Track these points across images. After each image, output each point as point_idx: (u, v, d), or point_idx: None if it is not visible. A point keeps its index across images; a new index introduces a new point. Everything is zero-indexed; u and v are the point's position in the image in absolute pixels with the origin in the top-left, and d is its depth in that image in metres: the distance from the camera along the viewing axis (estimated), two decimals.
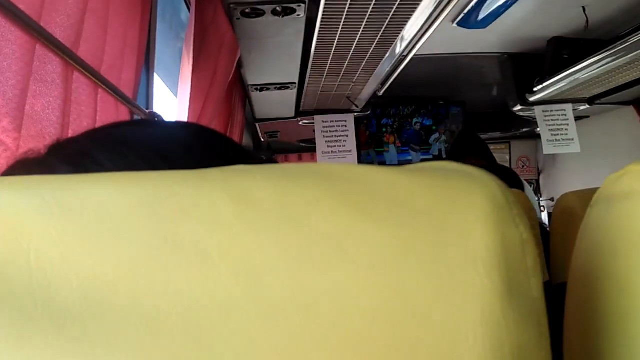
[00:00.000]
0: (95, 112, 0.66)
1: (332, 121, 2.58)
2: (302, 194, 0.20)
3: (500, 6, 1.59)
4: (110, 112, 0.71)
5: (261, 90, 2.02)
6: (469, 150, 1.79)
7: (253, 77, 1.90)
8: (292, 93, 2.12)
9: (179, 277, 0.20)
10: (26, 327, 0.19)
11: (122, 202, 0.20)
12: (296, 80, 1.95)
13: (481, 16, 1.68)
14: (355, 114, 2.61)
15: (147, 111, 0.89)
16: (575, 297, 0.29)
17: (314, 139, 2.60)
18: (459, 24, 1.73)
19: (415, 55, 1.76)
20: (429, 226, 0.20)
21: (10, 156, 0.53)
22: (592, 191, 0.30)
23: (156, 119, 0.91)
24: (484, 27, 1.77)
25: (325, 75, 1.90)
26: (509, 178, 1.50)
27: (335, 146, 2.57)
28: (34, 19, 0.52)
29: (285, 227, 0.20)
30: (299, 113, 2.56)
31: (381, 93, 2.26)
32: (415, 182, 0.21)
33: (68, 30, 0.58)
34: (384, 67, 1.87)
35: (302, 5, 1.24)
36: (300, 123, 2.68)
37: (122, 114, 0.75)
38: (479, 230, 0.20)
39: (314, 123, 2.59)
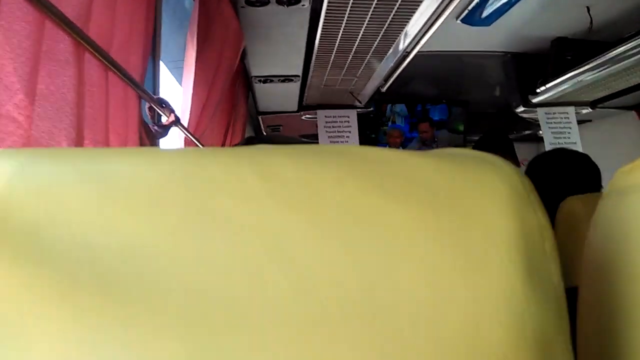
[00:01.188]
0: (107, 94, 0.67)
1: (335, 116, 2.59)
2: (328, 173, 0.21)
3: (504, 4, 1.59)
4: (118, 96, 0.72)
5: (265, 82, 2.03)
6: (495, 148, 1.77)
7: (257, 69, 1.91)
8: (295, 86, 2.13)
9: (212, 246, 0.21)
10: (72, 286, 0.20)
11: (156, 173, 0.22)
12: (300, 73, 1.96)
13: (485, 13, 1.69)
14: (358, 109, 2.62)
15: (154, 97, 0.90)
16: (589, 293, 0.29)
17: (317, 134, 2.61)
18: (462, 21, 1.73)
19: (418, 51, 1.77)
20: (451, 208, 0.20)
21: (23, 134, 0.54)
22: (595, 195, 0.30)
23: (163, 105, 0.92)
24: (487, 25, 1.78)
25: (329, 68, 1.90)
26: None
27: (337, 142, 2.58)
28: None
29: (311, 205, 0.21)
30: (302, 107, 2.57)
31: (384, 89, 2.27)
32: (438, 166, 0.22)
33: (77, 10, 0.59)
34: (388, 62, 1.87)
35: None
36: (303, 117, 2.68)
37: (130, 98, 0.76)
38: (500, 214, 0.20)
39: (316, 117, 2.59)
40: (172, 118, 0.94)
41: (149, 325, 0.20)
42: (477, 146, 1.66)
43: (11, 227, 0.21)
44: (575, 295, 0.30)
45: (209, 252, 0.21)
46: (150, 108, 0.92)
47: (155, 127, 0.93)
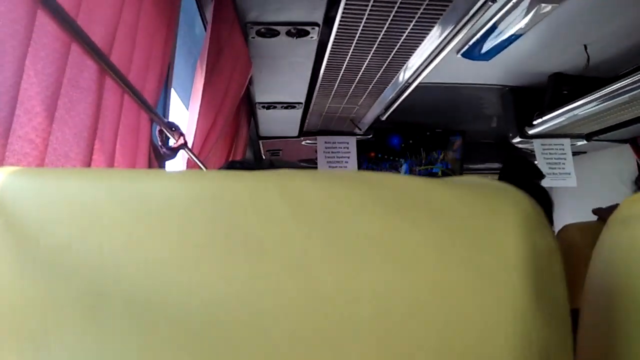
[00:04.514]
0: (119, 117, 0.68)
1: (335, 142, 2.62)
2: (350, 199, 0.22)
3: (504, 40, 1.65)
4: (132, 118, 0.73)
5: (268, 108, 2.06)
6: (519, 175, 1.74)
7: (261, 95, 1.94)
8: (297, 112, 2.17)
9: (236, 265, 0.22)
10: (97, 299, 0.21)
11: (185, 194, 0.23)
12: (303, 100, 1.99)
13: (485, 49, 1.74)
14: (358, 137, 2.65)
15: (165, 121, 0.92)
16: (591, 315, 0.30)
17: (316, 158, 2.64)
18: (463, 55, 1.79)
19: (419, 83, 1.82)
20: (465, 232, 0.22)
21: (38, 155, 0.54)
22: (592, 223, 0.31)
23: (173, 129, 0.93)
24: (487, 60, 1.83)
25: (331, 97, 1.94)
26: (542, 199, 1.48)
27: (336, 167, 2.60)
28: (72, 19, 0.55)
29: (333, 228, 0.22)
30: (303, 133, 2.61)
31: (384, 118, 2.31)
32: (453, 192, 0.23)
33: (103, 37, 0.61)
34: (389, 92, 1.91)
35: (316, 28, 1.29)
36: (303, 142, 2.71)
37: (143, 121, 0.77)
38: (512, 238, 0.21)
39: (316, 143, 2.62)
40: (181, 141, 0.95)
41: (172, 341, 0.21)
42: (503, 171, 1.65)
43: (43, 240, 0.22)
44: (575, 317, 0.31)
45: (232, 270, 0.21)
46: (161, 131, 0.93)
47: (164, 149, 0.94)
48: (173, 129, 0.94)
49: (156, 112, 0.80)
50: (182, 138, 0.96)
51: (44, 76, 0.56)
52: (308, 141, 2.70)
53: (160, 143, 0.95)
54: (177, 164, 1.20)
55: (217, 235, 0.22)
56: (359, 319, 0.21)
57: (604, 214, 0.90)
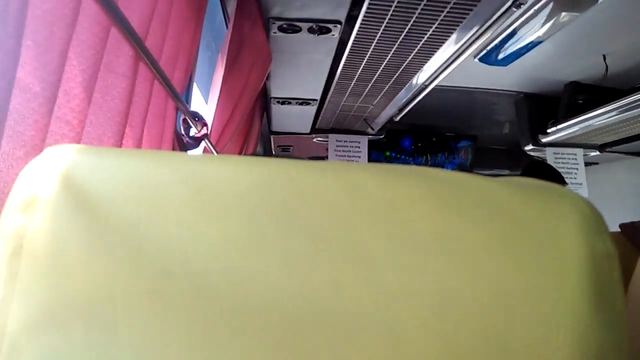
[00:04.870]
0: (149, 103, 0.70)
1: (346, 141, 2.63)
2: (409, 192, 0.23)
3: (522, 47, 1.65)
4: (160, 107, 0.75)
5: (282, 103, 2.07)
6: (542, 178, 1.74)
7: (277, 90, 1.95)
8: (311, 109, 2.17)
9: (297, 252, 0.22)
10: (163, 281, 0.22)
11: (248, 180, 0.23)
12: (318, 97, 2.00)
13: (502, 55, 1.74)
14: (370, 136, 2.66)
15: (190, 110, 0.93)
16: (631, 323, 0.30)
17: (326, 156, 2.64)
18: (480, 60, 1.79)
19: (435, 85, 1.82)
20: (525, 233, 0.22)
21: (75, 136, 0.56)
22: (612, 233, 0.31)
23: (196, 119, 0.95)
24: (504, 65, 1.83)
25: (347, 95, 1.95)
26: None
27: None
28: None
29: (393, 220, 0.22)
30: (315, 130, 2.61)
31: (398, 119, 2.31)
32: (511, 191, 0.23)
33: (139, 22, 0.63)
34: (405, 94, 1.92)
35: (338, 26, 1.30)
36: (314, 140, 2.72)
37: (169, 110, 0.79)
38: (572, 241, 0.22)
39: (327, 141, 2.63)
40: (204, 131, 0.97)
41: (233, 323, 0.21)
42: (525, 175, 1.64)
43: (111, 218, 0.22)
44: None
45: (293, 256, 0.22)
46: (184, 120, 0.95)
47: (187, 139, 0.95)
48: (197, 118, 0.95)
49: (182, 100, 0.81)
50: (204, 128, 0.98)
51: (83, 59, 0.57)
52: (319, 139, 2.70)
53: (183, 132, 0.97)
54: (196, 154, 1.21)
55: (279, 221, 0.22)
56: (416, 313, 0.21)
57: (624, 228, 0.90)
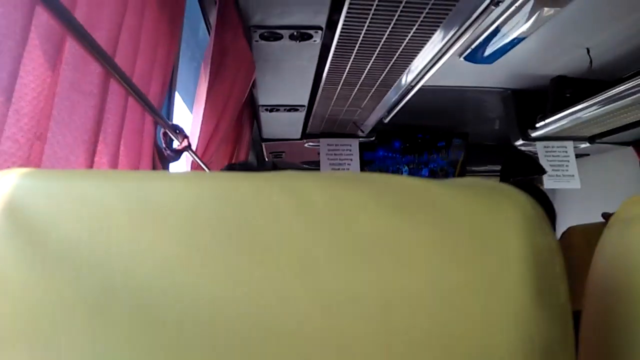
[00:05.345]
0: (123, 119, 0.69)
1: (337, 145, 2.63)
2: (352, 198, 0.23)
3: (506, 44, 1.65)
4: (136, 121, 0.74)
5: (271, 110, 2.07)
6: (519, 171, 1.73)
7: (264, 98, 1.95)
8: (300, 115, 2.17)
9: (241, 264, 0.22)
10: (105, 299, 0.22)
11: (191, 195, 0.23)
12: (306, 103, 2.00)
13: (488, 52, 1.75)
14: (360, 139, 2.66)
15: (170, 123, 0.92)
16: (593, 315, 0.30)
17: (319, 161, 2.64)
18: (465, 59, 1.79)
19: (422, 86, 1.82)
20: (466, 231, 0.22)
21: (22, 155, 0.53)
22: (596, 225, 0.32)
23: (177, 131, 0.94)
24: (489, 63, 1.84)
25: (334, 99, 1.95)
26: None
27: (339, 169, 2.61)
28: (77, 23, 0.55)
29: (337, 226, 0.22)
30: (305, 135, 2.61)
31: (387, 120, 2.32)
32: (454, 193, 0.23)
33: (106, 39, 0.62)
34: (392, 95, 1.92)
35: (319, 32, 1.30)
36: (306, 145, 2.72)
37: (147, 124, 0.78)
38: (513, 237, 0.22)
39: (319, 145, 2.63)
40: (185, 143, 0.96)
41: (177, 338, 0.21)
42: (505, 166, 1.63)
43: (53, 240, 0.22)
44: (577, 318, 0.31)
45: (236, 268, 0.22)
46: (165, 133, 0.94)
47: (168, 152, 0.95)
48: (177, 131, 0.94)
49: (160, 114, 0.80)
50: (186, 140, 0.97)
51: (34, 77, 0.55)
52: (311, 143, 2.70)
53: (164, 145, 0.96)
54: (181, 166, 1.20)
55: (222, 235, 0.22)
56: (362, 318, 0.21)
57: (608, 218, 0.90)
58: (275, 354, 0.21)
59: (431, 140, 2.90)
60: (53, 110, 0.57)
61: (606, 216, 0.92)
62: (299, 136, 2.62)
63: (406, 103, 2.05)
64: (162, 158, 0.92)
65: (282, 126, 2.40)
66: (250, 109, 2.18)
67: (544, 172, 1.56)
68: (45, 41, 0.55)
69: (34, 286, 0.22)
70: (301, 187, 0.23)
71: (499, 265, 0.21)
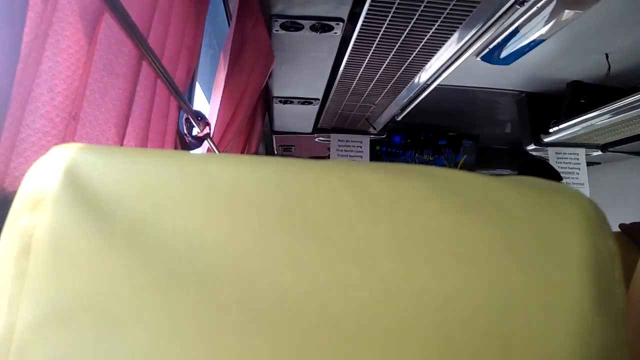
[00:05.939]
0: (152, 104, 0.70)
1: (348, 141, 2.62)
2: (413, 191, 0.23)
3: (524, 45, 1.64)
4: (162, 106, 0.75)
5: (284, 102, 2.07)
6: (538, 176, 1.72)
7: (279, 89, 1.95)
8: (313, 109, 2.17)
9: (301, 250, 0.22)
10: (169, 279, 0.22)
11: (254, 179, 0.23)
12: (320, 97, 2.00)
13: (505, 53, 1.74)
14: (372, 136, 2.66)
15: (193, 109, 0.93)
16: (632, 320, 0.30)
17: (328, 156, 2.64)
18: (482, 59, 1.78)
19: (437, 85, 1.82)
20: (528, 232, 0.22)
21: (57, 134, 0.54)
22: (614, 233, 0.31)
23: (199, 118, 0.95)
24: (506, 64, 1.83)
25: (349, 94, 1.95)
26: None
27: None
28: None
29: (397, 219, 0.22)
30: (317, 129, 2.61)
31: (399, 118, 2.31)
32: (515, 190, 0.23)
33: (140, 20, 0.62)
34: (407, 93, 1.92)
35: (341, 24, 1.29)
36: (316, 139, 2.72)
37: (172, 109, 0.78)
38: (574, 239, 0.22)
39: (329, 141, 2.63)
40: (206, 130, 0.96)
41: (239, 320, 0.21)
42: (522, 172, 1.63)
43: (120, 217, 0.23)
44: None
45: (298, 254, 0.22)
46: (187, 120, 0.94)
47: (190, 139, 0.95)
48: (199, 118, 0.95)
49: (185, 99, 0.81)
50: (207, 127, 0.97)
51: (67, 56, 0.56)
52: (321, 138, 2.70)
53: (185, 131, 0.97)
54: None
55: (283, 221, 0.22)
56: (420, 313, 0.21)
57: (628, 229, 0.90)
58: (331, 341, 0.21)
59: (440, 141, 2.89)
60: (86, 90, 0.58)
61: (623, 227, 0.92)
62: (310, 130, 2.61)
63: (420, 101, 2.04)
64: (183, 144, 0.93)
65: (294, 119, 2.39)
66: (264, 100, 2.18)
67: (560, 179, 1.56)
68: (81, 19, 0.56)
69: (103, 262, 0.22)
70: (360, 178, 0.23)
71: (560, 267, 0.21)
